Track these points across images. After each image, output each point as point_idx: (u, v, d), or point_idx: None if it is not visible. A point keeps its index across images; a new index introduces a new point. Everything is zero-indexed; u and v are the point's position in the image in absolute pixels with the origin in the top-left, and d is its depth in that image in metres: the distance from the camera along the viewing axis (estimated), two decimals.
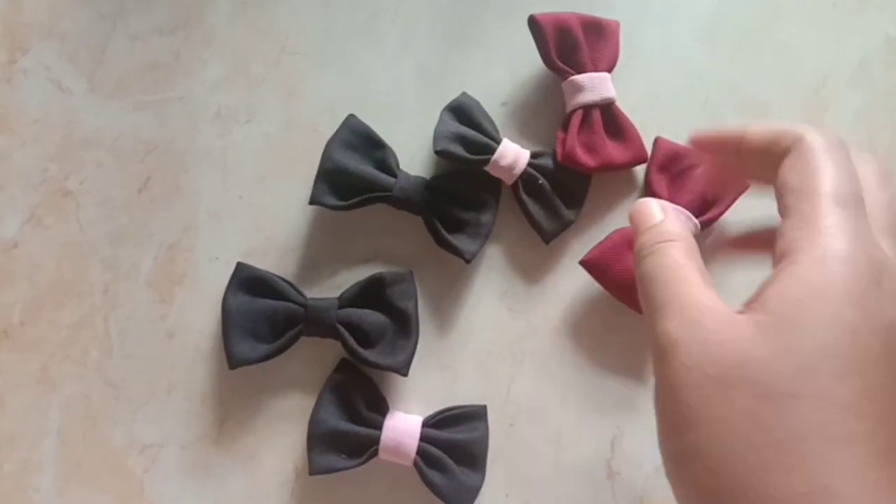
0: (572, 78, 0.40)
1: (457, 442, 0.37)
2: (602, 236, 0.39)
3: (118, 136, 0.42)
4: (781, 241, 0.22)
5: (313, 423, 0.37)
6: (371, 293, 0.38)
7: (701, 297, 0.23)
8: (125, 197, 0.41)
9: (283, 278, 0.39)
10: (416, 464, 0.36)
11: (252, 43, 0.43)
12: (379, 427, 0.36)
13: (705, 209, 0.40)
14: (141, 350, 0.40)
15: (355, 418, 0.37)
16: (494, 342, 0.41)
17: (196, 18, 0.43)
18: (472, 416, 0.38)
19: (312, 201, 0.39)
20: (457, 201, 0.40)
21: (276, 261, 0.41)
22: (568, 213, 0.41)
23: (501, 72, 0.43)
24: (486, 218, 0.40)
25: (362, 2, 0.44)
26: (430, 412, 0.38)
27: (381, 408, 0.38)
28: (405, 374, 0.37)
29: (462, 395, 0.40)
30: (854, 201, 0.22)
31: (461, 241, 0.40)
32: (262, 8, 0.44)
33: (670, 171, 0.41)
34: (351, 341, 0.37)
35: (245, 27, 0.43)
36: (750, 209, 0.41)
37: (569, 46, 0.40)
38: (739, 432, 0.20)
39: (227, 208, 0.41)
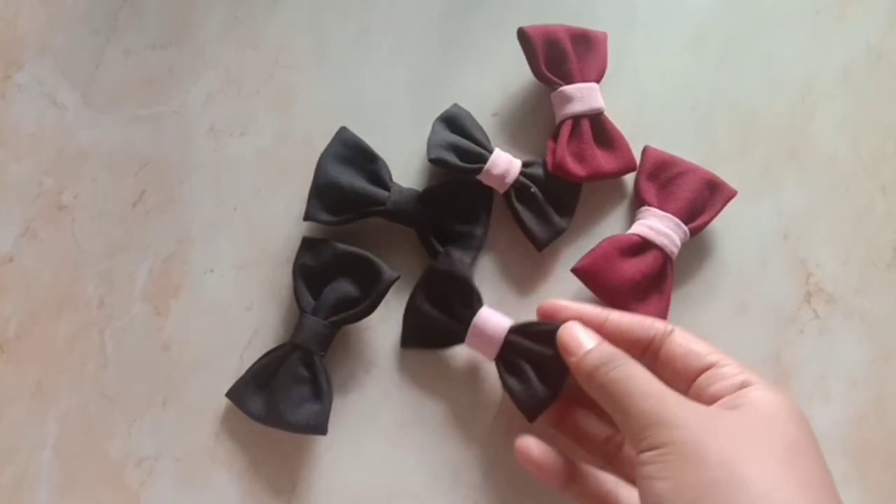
0: (561, 89, 0.41)
1: (538, 353, 0.36)
2: (593, 244, 0.40)
3: (113, 150, 0.42)
4: (731, 379, 0.31)
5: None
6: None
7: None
8: (120, 210, 0.41)
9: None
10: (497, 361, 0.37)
11: (245, 57, 0.44)
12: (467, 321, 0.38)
13: (694, 216, 0.40)
14: (136, 363, 0.40)
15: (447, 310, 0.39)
16: None
17: (189, 33, 0.44)
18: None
19: (307, 218, 0.39)
20: (449, 213, 0.40)
21: (271, 272, 0.41)
22: (560, 221, 0.41)
23: (491, 83, 0.44)
24: (478, 230, 0.40)
25: (353, 15, 0.44)
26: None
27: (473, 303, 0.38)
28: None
29: (457, 402, 0.40)
30: None
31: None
32: (254, 22, 0.44)
33: (659, 178, 0.41)
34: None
35: (238, 41, 0.44)
36: (737, 216, 0.42)
37: (557, 58, 0.41)
38: None
39: (221, 221, 0.42)
